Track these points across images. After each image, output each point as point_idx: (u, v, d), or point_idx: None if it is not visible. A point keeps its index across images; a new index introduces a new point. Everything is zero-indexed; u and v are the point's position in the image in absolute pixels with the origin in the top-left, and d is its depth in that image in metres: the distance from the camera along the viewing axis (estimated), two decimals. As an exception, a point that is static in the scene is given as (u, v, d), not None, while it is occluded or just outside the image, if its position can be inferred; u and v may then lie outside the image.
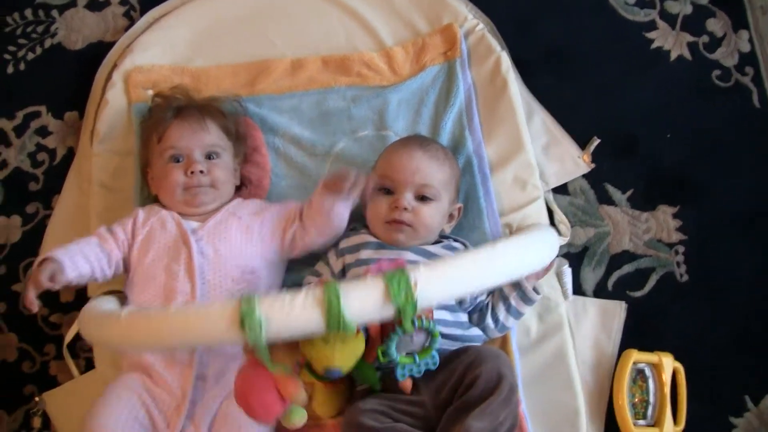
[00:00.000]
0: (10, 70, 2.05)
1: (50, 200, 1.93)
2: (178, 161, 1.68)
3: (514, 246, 1.43)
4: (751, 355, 1.77)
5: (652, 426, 1.71)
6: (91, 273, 1.58)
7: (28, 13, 2.07)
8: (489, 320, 1.62)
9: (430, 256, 1.61)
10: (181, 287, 1.57)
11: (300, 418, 1.41)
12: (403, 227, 1.61)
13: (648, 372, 1.74)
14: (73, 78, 2.01)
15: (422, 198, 1.62)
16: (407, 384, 1.44)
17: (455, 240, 1.69)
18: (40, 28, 2.05)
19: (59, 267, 1.50)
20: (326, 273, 1.67)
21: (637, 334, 1.77)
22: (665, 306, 1.81)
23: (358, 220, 1.73)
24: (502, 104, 1.86)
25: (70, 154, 1.96)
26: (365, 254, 1.62)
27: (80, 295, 1.85)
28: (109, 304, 1.60)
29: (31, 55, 2.04)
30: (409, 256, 1.60)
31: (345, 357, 1.36)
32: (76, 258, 1.54)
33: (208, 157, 1.70)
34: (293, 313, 1.26)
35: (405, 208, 1.60)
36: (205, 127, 1.71)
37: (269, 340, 1.27)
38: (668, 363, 1.73)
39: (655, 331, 1.79)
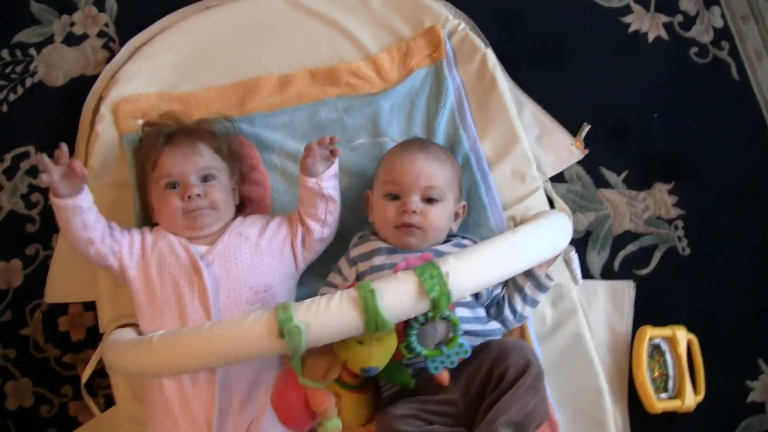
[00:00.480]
0: (-7, 113, 2.02)
1: (50, 240, 1.90)
2: (174, 187, 1.67)
3: (534, 230, 1.45)
4: (759, 319, 1.83)
5: (674, 398, 1.75)
6: (95, 222, 1.61)
7: (5, 54, 2.03)
8: (507, 312, 1.64)
9: (443, 255, 1.62)
10: (196, 315, 1.57)
11: (333, 429, 1.42)
12: (413, 230, 1.62)
13: (664, 346, 1.78)
14: (58, 115, 1.98)
15: (429, 200, 1.64)
16: (444, 377, 1.44)
17: (463, 237, 1.71)
18: (19, 68, 2.02)
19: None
20: (341, 283, 1.68)
21: (648, 311, 1.82)
22: (671, 280, 1.85)
23: (365, 228, 1.75)
24: (493, 100, 1.89)
25: (65, 192, 1.93)
26: (378, 260, 1.63)
27: (91, 333, 1.84)
28: (130, 335, 1.58)
29: (12, 96, 2.00)
30: (423, 257, 1.61)
31: (381, 355, 1.37)
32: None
33: (204, 179, 1.69)
34: (330, 317, 1.27)
35: (413, 211, 1.62)
36: (197, 151, 1.70)
37: (308, 346, 1.27)
38: (682, 335, 1.77)
39: (665, 306, 1.83)
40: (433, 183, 1.64)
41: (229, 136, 1.82)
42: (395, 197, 1.65)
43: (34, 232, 1.92)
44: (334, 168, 1.66)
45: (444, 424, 1.44)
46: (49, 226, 1.90)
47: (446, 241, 1.68)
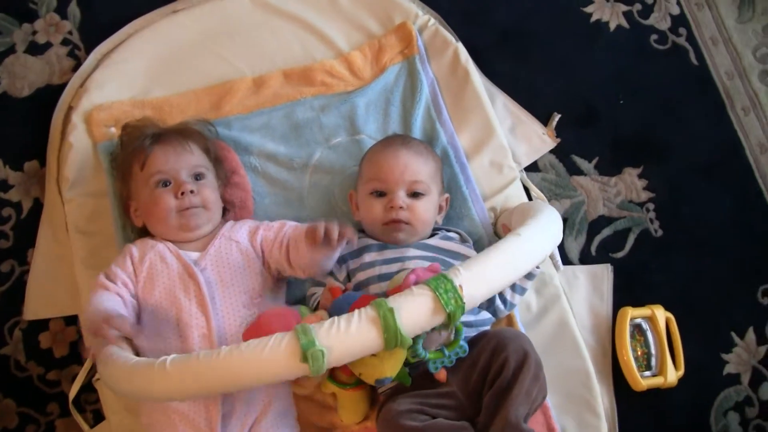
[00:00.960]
0: (-45, 126, 1.95)
1: (25, 256, 1.85)
2: (166, 185, 1.64)
3: (534, 230, 1.47)
4: (731, 294, 1.91)
5: (657, 375, 1.81)
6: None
7: (-35, 65, 1.97)
8: (498, 302, 1.67)
9: (431, 248, 1.65)
10: (196, 321, 1.53)
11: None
12: (401, 225, 1.64)
13: (645, 325, 1.84)
14: (25, 126, 1.93)
15: (414, 194, 1.66)
16: (442, 374, 1.48)
17: (448, 230, 1.74)
18: (-20, 80, 1.96)
19: (116, 316, 1.45)
20: (330, 282, 1.68)
21: (626, 292, 1.88)
22: (646, 261, 1.92)
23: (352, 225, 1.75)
24: (467, 93, 1.92)
25: (37, 206, 1.88)
26: (369, 257, 1.64)
27: (75, 348, 1.81)
28: (124, 351, 1.54)
29: (-24, 109, 1.95)
30: (412, 252, 1.63)
31: (393, 365, 1.40)
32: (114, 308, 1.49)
33: (196, 178, 1.67)
34: (352, 338, 1.26)
35: (400, 207, 1.63)
36: (188, 149, 1.68)
37: (328, 367, 1.28)
38: (660, 314, 1.84)
39: (641, 286, 1.89)
40: (418, 177, 1.66)
41: (212, 138, 1.80)
42: (381, 194, 1.66)
43: (8, 248, 1.87)
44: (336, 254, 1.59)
45: (446, 417, 1.46)
46: (23, 240, 1.86)
47: (433, 235, 1.71)
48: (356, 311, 1.31)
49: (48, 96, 1.94)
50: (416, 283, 1.36)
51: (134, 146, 1.69)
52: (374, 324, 1.28)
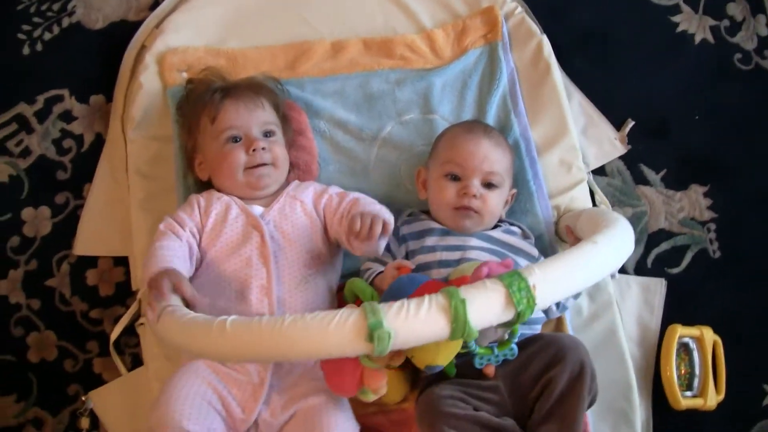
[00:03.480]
0: (26, 51, 1.91)
1: (81, 189, 1.84)
2: (236, 141, 1.62)
3: (611, 240, 1.44)
4: (782, 325, 1.88)
5: (698, 396, 1.79)
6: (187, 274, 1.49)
7: (42, -12, 1.93)
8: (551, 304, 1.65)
9: (494, 241, 1.64)
10: (256, 274, 1.51)
11: (365, 398, 1.42)
12: (471, 213, 1.62)
13: (692, 345, 1.82)
14: (95, 59, 1.90)
15: (488, 185, 1.64)
16: (490, 369, 1.47)
17: (511, 224, 1.72)
18: (56, 6, 1.92)
19: (178, 276, 1.40)
20: (388, 259, 1.65)
21: (676, 309, 1.84)
22: (701, 281, 1.89)
23: (415, 205, 1.74)
24: (546, 88, 1.88)
25: (99, 141, 1.86)
26: (430, 241, 1.63)
27: (120, 289, 1.80)
28: (176, 301, 1.52)
29: (48, 35, 1.91)
30: (474, 242, 1.62)
31: (448, 353, 1.37)
32: (179, 262, 1.45)
33: (266, 135, 1.65)
34: (419, 323, 1.23)
35: (474, 195, 1.61)
36: (260, 105, 1.66)
37: (392, 349, 1.25)
38: (709, 336, 1.81)
39: (692, 306, 1.86)
40: (495, 169, 1.64)
41: (282, 96, 1.77)
42: (455, 178, 1.64)
43: (66, 180, 1.85)
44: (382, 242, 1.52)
45: (487, 411, 1.45)
46: (82, 174, 1.84)
47: (496, 227, 1.69)
48: (426, 297, 1.28)
49: (121, 31, 1.91)
50: (488, 276, 1.34)
51: (204, 99, 1.66)
52: (444, 313, 1.25)
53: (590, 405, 1.48)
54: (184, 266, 1.46)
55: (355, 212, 1.50)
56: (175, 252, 1.47)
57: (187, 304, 1.42)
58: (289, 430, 1.46)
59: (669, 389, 1.78)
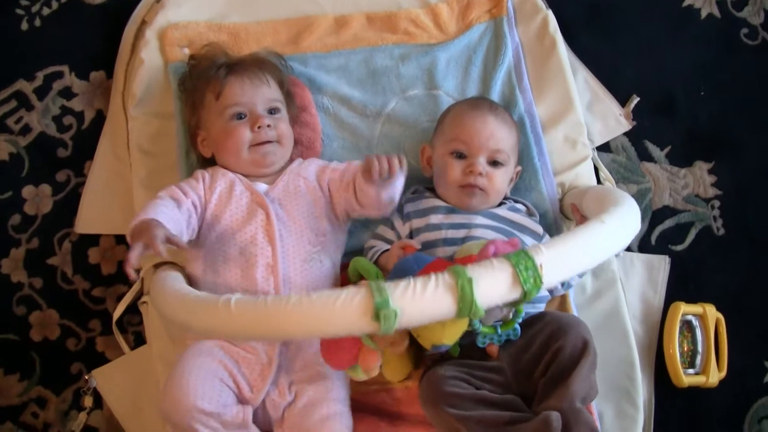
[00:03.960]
0: (24, 26, 1.88)
1: (82, 167, 1.82)
2: (241, 118, 1.60)
3: (618, 219, 1.43)
4: (784, 302, 1.88)
5: (700, 374, 1.80)
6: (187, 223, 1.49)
7: (39, -38, 1.90)
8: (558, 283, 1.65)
9: (499, 219, 1.63)
10: (262, 252, 1.51)
11: (356, 377, 1.46)
12: (476, 191, 1.61)
13: (695, 323, 1.82)
14: (95, 35, 1.88)
15: (494, 163, 1.63)
16: (493, 349, 1.47)
17: (516, 201, 1.71)
18: (54, -20, 1.90)
19: (165, 230, 1.36)
20: (392, 237, 1.66)
21: (679, 287, 1.85)
22: (704, 259, 1.89)
23: (418, 182, 1.72)
24: (551, 64, 1.86)
25: (100, 117, 1.84)
26: (435, 219, 1.62)
27: (122, 267, 1.74)
28: (179, 281, 1.51)
29: (46, 11, 1.88)
30: (480, 220, 1.61)
31: (454, 332, 1.36)
32: (170, 223, 1.42)
33: (270, 112, 1.63)
34: (426, 302, 1.23)
35: (480, 173, 1.60)
36: (265, 81, 1.64)
37: (398, 328, 1.25)
38: (712, 313, 1.82)
39: (695, 283, 1.87)
40: (501, 147, 1.63)
41: (286, 72, 1.75)
42: (461, 156, 1.63)
43: (66, 157, 1.84)
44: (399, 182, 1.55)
45: (491, 391, 1.45)
46: (82, 151, 1.83)
47: (501, 204, 1.68)
48: (433, 276, 1.27)
49: (122, 6, 1.87)
50: (495, 255, 1.33)
51: (208, 75, 1.64)
52: (451, 291, 1.24)
53: (595, 394, 1.48)
54: (171, 221, 1.43)
55: (364, 161, 1.49)
56: (168, 215, 1.44)
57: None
58: (289, 414, 1.48)
59: (671, 367, 1.78)
